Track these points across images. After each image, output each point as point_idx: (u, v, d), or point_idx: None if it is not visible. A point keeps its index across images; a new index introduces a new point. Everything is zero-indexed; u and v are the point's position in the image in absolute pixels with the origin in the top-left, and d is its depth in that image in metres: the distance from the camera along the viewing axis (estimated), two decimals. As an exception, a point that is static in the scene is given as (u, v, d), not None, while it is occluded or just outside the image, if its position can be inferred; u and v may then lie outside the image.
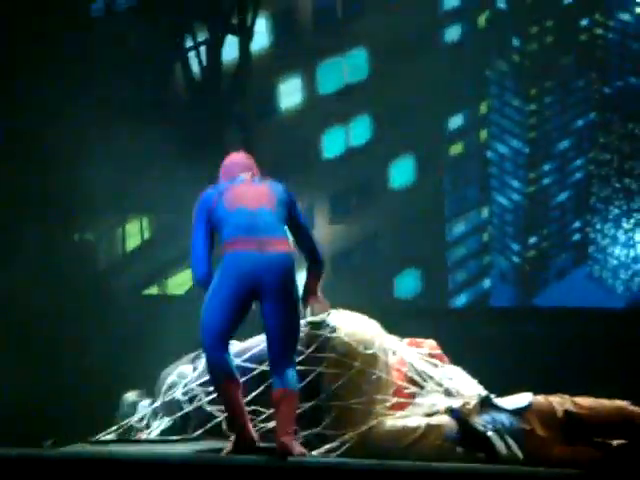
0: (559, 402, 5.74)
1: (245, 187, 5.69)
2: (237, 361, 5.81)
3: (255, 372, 5.90)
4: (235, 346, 5.93)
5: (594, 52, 62.32)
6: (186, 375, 6.17)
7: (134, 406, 6.49)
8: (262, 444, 5.50)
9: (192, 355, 6.34)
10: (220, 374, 5.47)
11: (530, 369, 9.26)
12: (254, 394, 5.85)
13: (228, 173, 5.87)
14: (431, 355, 6.03)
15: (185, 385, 6.12)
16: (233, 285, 5.39)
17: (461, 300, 45.48)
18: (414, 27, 28.75)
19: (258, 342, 5.97)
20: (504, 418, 5.75)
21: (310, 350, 5.80)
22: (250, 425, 5.51)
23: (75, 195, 11.79)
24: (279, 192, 5.65)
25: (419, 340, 6.16)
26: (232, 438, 5.56)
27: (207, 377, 5.86)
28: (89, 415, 7.69)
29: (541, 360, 10.06)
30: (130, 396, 6.59)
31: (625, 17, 61.51)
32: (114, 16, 11.37)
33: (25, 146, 11.71)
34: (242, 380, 5.59)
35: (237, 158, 5.95)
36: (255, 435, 5.49)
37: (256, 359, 5.90)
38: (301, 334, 5.62)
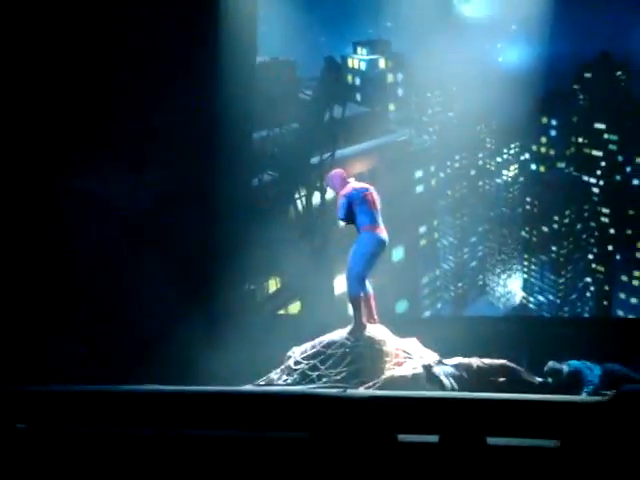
0: (474, 362, 9.89)
1: (374, 196, 9.72)
2: (316, 348, 9.70)
3: (328, 352, 9.50)
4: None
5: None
6: (295, 351, 9.70)
7: None
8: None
9: None
10: (359, 292, 9.63)
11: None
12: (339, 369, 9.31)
13: (343, 180, 9.82)
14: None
15: (292, 357, 9.65)
16: (378, 251, 9.58)
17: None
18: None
19: (320, 340, 9.66)
20: (449, 369, 9.75)
21: (358, 341, 9.71)
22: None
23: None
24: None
25: (407, 339, 9.97)
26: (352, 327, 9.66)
27: (310, 352, 9.59)
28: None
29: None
30: None
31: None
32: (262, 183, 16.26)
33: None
34: (328, 363, 9.43)
35: (340, 172, 9.95)
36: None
37: (325, 346, 9.58)
38: (353, 338, 9.73)
